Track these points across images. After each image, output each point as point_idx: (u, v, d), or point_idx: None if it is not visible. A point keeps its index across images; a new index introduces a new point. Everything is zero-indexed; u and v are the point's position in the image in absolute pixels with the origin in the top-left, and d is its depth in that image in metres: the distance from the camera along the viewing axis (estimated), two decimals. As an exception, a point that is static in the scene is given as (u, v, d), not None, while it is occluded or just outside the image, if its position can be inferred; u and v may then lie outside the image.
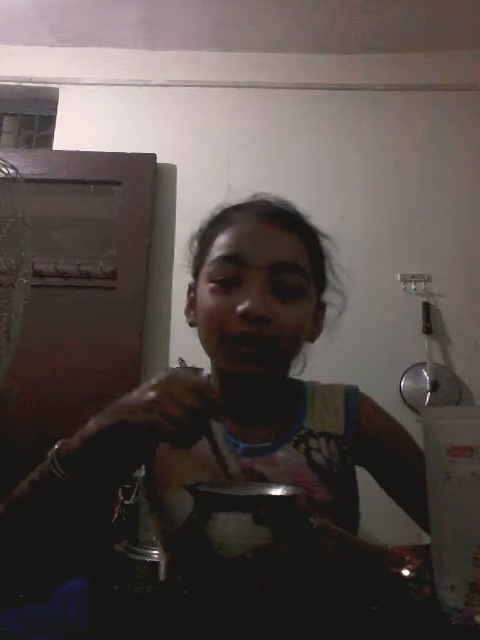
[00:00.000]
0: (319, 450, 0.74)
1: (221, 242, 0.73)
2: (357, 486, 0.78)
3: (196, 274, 0.78)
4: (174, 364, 0.63)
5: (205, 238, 0.78)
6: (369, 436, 0.76)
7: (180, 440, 0.54)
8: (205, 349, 0.73)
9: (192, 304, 0.78)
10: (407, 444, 0.76)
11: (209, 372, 0.80)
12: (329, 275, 0.80)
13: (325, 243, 0.79)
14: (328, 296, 0.80)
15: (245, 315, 0.66)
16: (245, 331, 0.66)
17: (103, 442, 0.55)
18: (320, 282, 0.78)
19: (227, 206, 0.80)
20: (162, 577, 0.75)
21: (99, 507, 0.64)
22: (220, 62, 2.29)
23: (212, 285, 0.71)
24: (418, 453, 0.73)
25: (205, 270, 0.74)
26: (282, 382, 0.78)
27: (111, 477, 0.64)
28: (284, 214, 0.76)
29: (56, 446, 0.57)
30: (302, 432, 0.75)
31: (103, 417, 0.55)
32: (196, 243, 0.81)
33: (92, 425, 0.55)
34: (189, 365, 0.64)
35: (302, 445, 0.74)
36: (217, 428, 0.55)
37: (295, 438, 0.74)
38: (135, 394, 0.55)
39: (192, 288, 0.80)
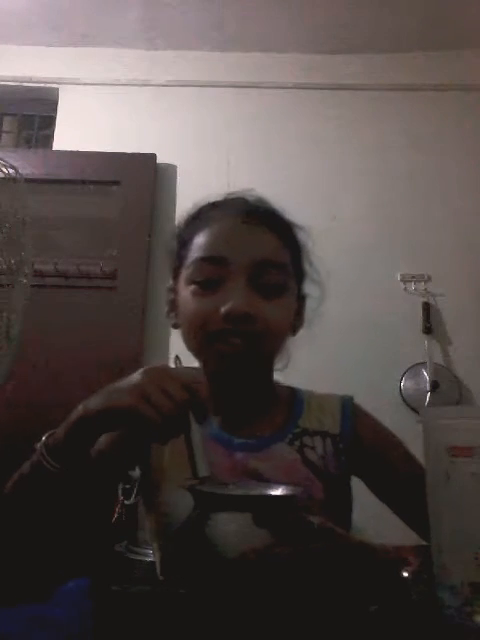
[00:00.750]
0: (313, 448, 0.74)
1: (199, 243, 0.72)
2: (351, 490, 0.78)
3: (175, 275, 0.78)
4: (173, 364, 0.63)
5: (182, 238, 0.78)
6: (363, 441, 0.76)
7: (158, 431, 0.53)
8: (190, 350, 0.73)
9: (173, 306, 0.78)
10: (400, 451, 0.77)
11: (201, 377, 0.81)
12: (306, 266, 0.79)
13: (301, 235, 0.79)
14: (307, 288, 0.80)
15: (228, 315, 0.66)
16: (228, 331, 0.66)
17: (88, 427, 0.55)
18: (299, 275, 0.78)
19: (203, 205, 0.79)
20: (160, 577, 0.75)
21: (94, 499, 0.64)
22: (220, 62, 2.29)
23: (193, 287, 0.71)
24: (410, 459, 0.73)
25: (184, 272, 0.74)
26: (269, 379, 0.79)
27: (104, 468, 0.64)
28: (260, 211, 0.76)
29: (44, 437, 0.57)
30: (297, 430, 0.75)
31: (88, 402, 0.56)
32: (174, 243, 0.80)
33: (76, 412, 0.56)
34: (187, 365, 0.64)
35: (297, 442, 0.74)
36: (196, 429, 0.54)
37: (290, 435, 0.74)
38: (122, 381, 0.55)
39: (171, 289, 0.80)
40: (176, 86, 2.27)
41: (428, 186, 2.15)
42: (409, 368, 1.97)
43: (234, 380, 0.72)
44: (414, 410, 1.90)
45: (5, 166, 0.97)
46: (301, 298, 0.79)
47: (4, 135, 2.44)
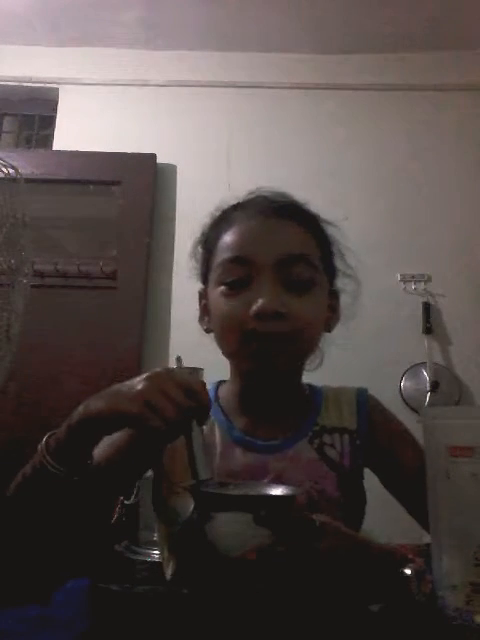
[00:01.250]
0: (332, 445, 0.74)
1: (225, 244, 0.72)
2: (363, 486, 0.78)
3: (204, 279, 0.78)
4: (173, 364, 0.63)
5: (208, 242, 0.78)
6: (377, 436, 0.77)
7: (160, 436, 0.53)
8: (224, 353, 0.73)
9: (205, 311, 0.78)
10: (413, 445, 0.77)
11: (202, 380, 0.80)
12: (338, 262, 0.79)
13: (330, 230, 0.79)
14: (340, 283, 0.80)
15: (259, 314, 0.66)
16: (261, 330, 0.66)
17: (90, 429, 0.55)
18: (330, 270, 0.77)
19: (226, 207, 0.79)
20: (168, 579, 0.75)
21: (97, 500, 0.63)
22: (220, 62, 2.29)
23: (222, 288, 0.70)
24: (422, 454, 0.73)
25: (213, 274, 0.73)
26: (299, 376, 0.79)
27: (114, 471, 0.64)
28: (284, 207, 0.75)
29: (45, 438, 0.57)
30: (316, 428, 0.76)
31: (90, 403, 0.55)
32: (200, 248, 0.80)
33: (78, 413, 0.55)
34: (188, 365, 0.64)
35: (316, 441, 0.74)
36: (197, 432, 0.54)
37: (310, 434, 0.75)
38: (125, 384, 0.55)
39: (203, 295, 0.79)
40: (176, 86, 2.27)
41: (428, 186, 2.15)
42: (409, 368, 1.97)
43: (269, 379, 0.72)
44: (414, 410, 1.90)
45: (5, 166, 0.97)
46: (334, 294, 0.79)
47: (4, 135, 2.43)
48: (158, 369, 0.56)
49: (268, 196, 0.78)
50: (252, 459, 0.72)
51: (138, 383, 0.54)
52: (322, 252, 0.75)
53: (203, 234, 0.80)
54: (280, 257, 0.69)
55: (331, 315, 0.77)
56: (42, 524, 0.58)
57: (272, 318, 0.66)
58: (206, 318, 0.78)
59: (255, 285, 0.68)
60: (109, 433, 0.58)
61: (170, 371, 0.56)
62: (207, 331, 0.77)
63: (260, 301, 0.66)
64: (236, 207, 0.78)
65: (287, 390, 0.76)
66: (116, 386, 0.56)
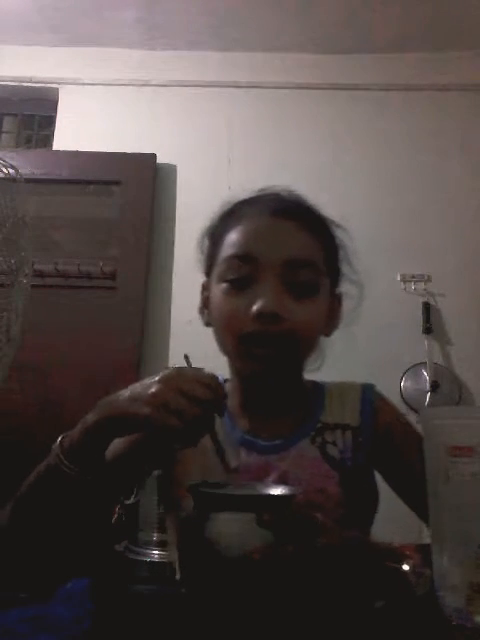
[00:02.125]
0: (334, 443, 0.74)
1: (232, 240, 0.71)
2: (375, 483, 0.77)
3: (208, 272, 0.77)
4: (174, 363, 0.63)
5: (215, 235, 0.77)
6: (383, 431, 0.76)
7: (183, 436, 0.54)
8: (222, 350, 0.73)
9: (206, 303, 0.77)
10: (418, 442, 0.76)
11: (213, 373, 0.80)
12: (344, 266, 0.79)
13: (339, 234, 0.79)
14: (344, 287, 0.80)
15: (258, 315, 0.65)
16: (260, 330, 0.66)
17: (104, 431, 0.55)
18: (334, 275, 0.77)
19: (236, 201, 0.78)
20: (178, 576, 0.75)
21: (109, 499, 0.64)
22: (220, 62, 2.29)
23: (224, 285, 0.70)
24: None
25: (217, 269, 0.72)
26: (299, 379, 0.78)
27: (124, 470, 0.64)
28: (295, 208, 0.75)
29: (59, 439, 0.57)
30: (319, 426, 0.75)
31: (104, 406, 0.56)
32: (206, 240, 0.79)
33: (93, 415, 0.56)
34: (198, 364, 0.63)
35: (319, 439, 0.74)
36: (218, 424, 0.55)
37: (312, 433, 0.74)
38: (140, 384, 0.55)
39: (205, 287, 0.78)
40: (176, 86, 2.27)
41: (428, 186, 2.15)
42: (409, 368, 1.97)
43: (267, 382, 0.72)
44: (414, 410, 1.90)
45: (5, 166, 0.96)
46: (337, 298, 0.78)
47: (4, 135, 2.44)
48: (169, 370, 0.56)
49: (279, 195, 0.77)
50: (255, 459, 0.72)
51: (152, 385, 0.54)
52: (328, 256, 0.74)
53: (211, 226, 0.79)
54: (286, 259, 0.68)
55: (331, 320, 0.77)
56: (53, 522, 0.58)
57: (271, 320, 0.65)
58: (206, 311, 0.77)
59: (258, 285, 0.67)
60: (124, 435, 0.58)
61: (181, 370, 0.56)
62: (206, 324, 0.77)
63: (261, 302, 0.65)
64: (247, 202, 0.77)
65: (287, 390, 0.76)
66: (131, 387, 0.56)
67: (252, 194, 0.78)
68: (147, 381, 0.55)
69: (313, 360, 0.77)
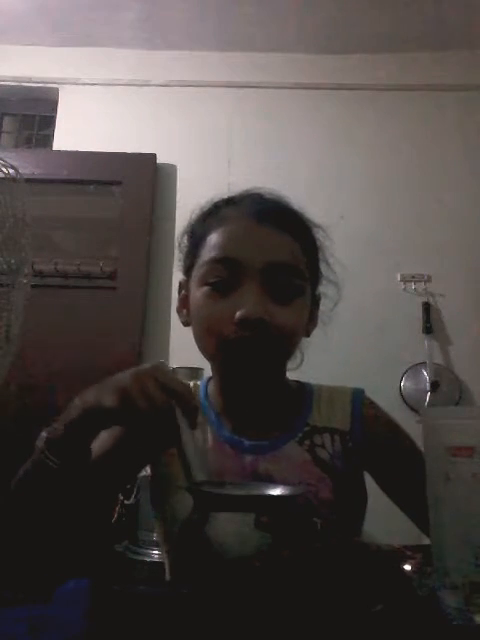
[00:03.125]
0: (323, 446, 0.73)
1: (213, 242, 0.70)
2: (365, 487, 0.77)
3: (187, 272, 0.76)
4: (174, 363, 0.62)
5: (196, 235, 0.75)
6: (373, 436, 0.76)
7: (145, 431, 0.54)
8: (203, 353, 0.72)
9: (184, 302, 0.76)
10: (410, 446, 0.76)
11: (209, 375, 0.80)
12: (323, 267, 0.78)
13: (319, 235, 0.78)
14: (323, 287, 0.79)
15: (242, 321, 0.64)
16: (243, 336, 0.65)
17: (85, 423, 0.55)
18: (315, 276, 0.76)
19: (217, 200, 0.77)
20: (168, 578, 0.75)
21: (96, 496, 0.63)
22: (220, 62, 2.29)
23: (206, 288, 0.69)
24: (418, 457, 0.73)
25: (197, 271, 0.72)
26: (282, 380, 0.78)
27: (112, 468, 0.64)
28: (277, 212, 0.74)
29: (43, 434, 0.57)
30: (307, 428, 0.74)
31: (83, 398, 0.55)
32: (186, 240, 0.78)
33: (74, 406, 0.56)
34: (187, 365, 0.63)
35: (307, 442, 0.73)
36: (188, 435, 0.53)
37: (300, 435, 0.74)
38: (115, 377, 0.55)
39: (183, 285, 0.77)
40: (176, 86, 2.27)
41: (428, 186, 2.15)
42: (409, 368, 1.98)
43: (248, 384, 0.71)
44: (414, 410, 1.90)
45: (5, 166, 0.96)
46: (315, 299, 0.78)
47: (4, 135, 2.44)
48: (147, 365, 0.56)
49: (262, 197, 0.76)
50: (241, 459, 0.72)
51: (123, 378, 0.54)
52: (309, 259, 0.73)
53: (190, 225, 0.78)
54: (268, 263, 0.67)
55: (310, 321, 0.76)
56: (43, 519, 0.58)
57: (255, 327, 0.65)
58: (184, 311, 0.76)
59: (240, 290, 0.66)
60: (104, 427, 0.58)
61: (157, 368, 0.56)
62: (185, 324, 0.76)
63: (244, 309, 0.64)
64: (228, 203, 0.76)
65: (269, 392, 0.75)
66: (106, 380, 0.56)
67: (233, 194, 0.77)
68: (125, 372, 0.55)
69: (292, 359, 0.76)
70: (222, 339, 0.67)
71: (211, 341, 0.68)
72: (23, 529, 0.58)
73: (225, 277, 0.68)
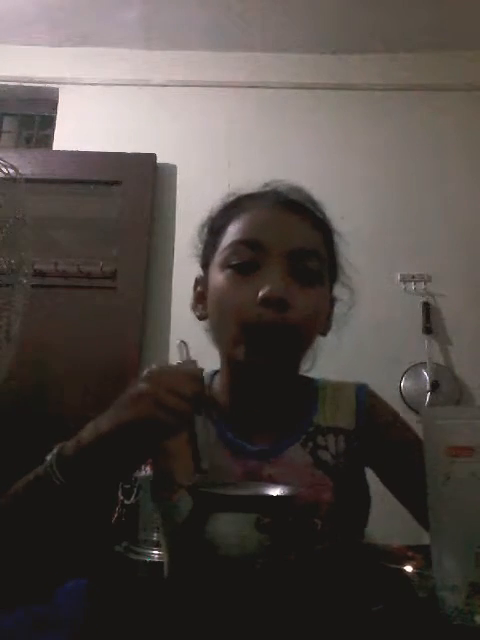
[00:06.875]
0: (326, 448, 0.72)
1: (237, 227, 0.70)
2: (367, 487, 0.77)
3: (206, 264, 0.75)
4: (177, 350, 0.61)
5: (216, 226, 0.75)
6: (377, 431, 0.75)
7: (173, 429, 0.54)
8: (219, 341, 0.71)
9: (200, 298, 0.75)
10: (414, 442, 0.75)
11: (213, 370, 0.80)
12: (339, 266, 0.78)
13: (336, 237, 0.78)
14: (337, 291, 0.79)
15: (265, 300, 0.63)
16: (265, 319, 0.64)
17: (102, 448, 0.54)
18: (332, 271, 0.76)
19: (239, 194, 0.77)
20: (166, 576, 0.75)
21: (96, 510, 0.63)
22: (220, 62, 2.29)
23: (228, 271, 0.68)
24: (421, 447, 0.72)
25: (218, 258, 0.71)
26: (294, 376, 0.77)
27: (111, 479, 0.64)
28: (302, 201, 0.74)
29: (54, 450, 0.56)
30: (311, 429, 0.74)
31: (100, 422, 0.55)
32: (206, 231, 0.78)
33: (89, 432, 0.55)
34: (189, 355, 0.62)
35: (310, 443, 0.72)
36: (198, 422, 0.54)
37: (303, 437, 0.73)
38: (127, 392, 0.55)
39: (199, 281, 0.77)
40: (176, 86, 2.27)
41: (428, 186, 2.15)
42: (409, 368, 1.97)
43: (264, 375, 0.69)
44: (414, 410, 1.90)
45: (5, 166, 0.97)
46: (331, 301, 0.78)
47: (4, 135, 2.43)
48: (152, 368, 0.56)
49: (285, 188, 0.76)
50: (243, 464, 0.71)
51: (139, 387, 0.54)
52: (329, 252, 0.74)
53: (212, 217, 0.78)
54: (292, 249, 0.67)
55: (326, 320, 0.76)
56: (42, 527, 0.57)
57: (278, 305, 0.64)
58: (200, 305, 0.75)
59: (263, 271, 0.66)
60: (128, 448, 0.56)
61: (163, 368, 0.56)
62: (200, 318, 0.75)
63: (267, 287, 0.63)
64: (251, 196, 0.76)
65: (280, 388, 0.74)
66: (118, 399, 0.55)
67: (255, 189, 0.78)
68: (131, 388, 0.54)
69: (305, 359, 0.76)
70: (243, 324, 0.65)
71: (230, 324, 0.66)
72: (21, 534, 0.58)
73: (249, 259, 0.67)
